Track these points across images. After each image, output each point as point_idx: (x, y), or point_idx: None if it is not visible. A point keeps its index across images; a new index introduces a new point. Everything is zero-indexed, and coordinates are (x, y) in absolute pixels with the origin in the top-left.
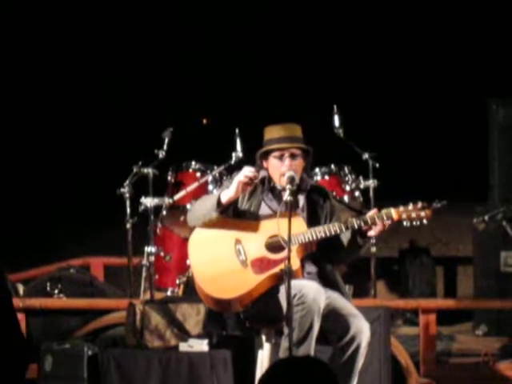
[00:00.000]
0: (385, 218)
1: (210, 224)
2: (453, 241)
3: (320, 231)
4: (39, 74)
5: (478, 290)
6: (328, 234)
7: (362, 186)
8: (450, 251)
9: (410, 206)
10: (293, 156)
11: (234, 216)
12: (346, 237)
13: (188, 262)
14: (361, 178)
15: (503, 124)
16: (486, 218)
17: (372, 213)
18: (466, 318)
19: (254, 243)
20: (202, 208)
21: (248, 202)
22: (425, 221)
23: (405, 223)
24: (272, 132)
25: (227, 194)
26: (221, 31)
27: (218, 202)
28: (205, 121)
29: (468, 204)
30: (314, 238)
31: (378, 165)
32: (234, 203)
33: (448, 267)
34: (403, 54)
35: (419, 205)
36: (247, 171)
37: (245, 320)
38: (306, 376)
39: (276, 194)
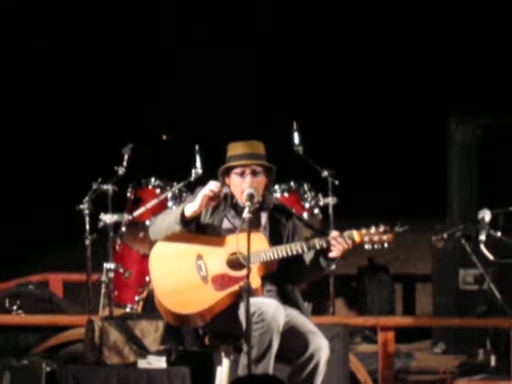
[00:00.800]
0: (347, 240)
1: (172, 238)
2: (412, 258)
3: (282, 250)
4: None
5: (437, 307)
6: (290, 253)
7: (321, 204)
8: (409, 269)
9: (373, 230)
10: (254, 173)
11: (196, 231)
12: (308, 257)
13: (147, 278)
14: (320, 195)
15: (462, 143)
16: (445, 235)
17: (334, 234)
18: (425, 336)
19: (216, 259)
20: (165, 221)
21: (211, 218)
22: (386, 244)
23: (366, 246)
24: (234, 149)
25: (191, 207)
26: (182, 48)
27: (182, 216)
28: (164, 137)
29: (427, 222)
30: (276, 256)
31: (337, 182)
32: (197, 218)
33: (407, 285)
34: (363, 72)
35: (381, 228)
36: (212, 185)
37: (203, 336)
38: None
39: (238, 210)
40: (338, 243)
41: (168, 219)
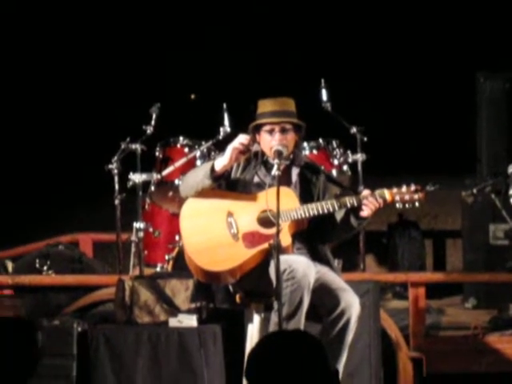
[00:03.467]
0: (378, 199)
1: (203, 194)
2: (442, 214)
3: (313, 208)
4: (20, 55)
5: (467, 263)
6: (320, 211)
7: (350, 160)
8: (439, 224)
9: (404, 189)
10: (283, 130)
11: (226, 188)
12: (339, 215)
13: (177, 237)
14: (349, 152)
15: (491, 97)
16: (475, 190)
17: (366, 193)
18: (455, 291)
19: (246, 217)
20: (196, 177)
21: (241, 176)
22: (417, 203)
23: (398, 205)
24: (264, 105)
25: (221, 161)
26: (206, 8)
27: (212, 170)
28: (192, 96)
29: (457, 177)
30: (306, 214)
31: (365, 139)
32: (227, 175)
33: (437, 240)
34: (391, 28)
35: (413, 187)
36: (242, 138)
37: (234, 293)
38: (296, 349)
39: (269, 168)
40: (369, 202)
41: (198, 174)
